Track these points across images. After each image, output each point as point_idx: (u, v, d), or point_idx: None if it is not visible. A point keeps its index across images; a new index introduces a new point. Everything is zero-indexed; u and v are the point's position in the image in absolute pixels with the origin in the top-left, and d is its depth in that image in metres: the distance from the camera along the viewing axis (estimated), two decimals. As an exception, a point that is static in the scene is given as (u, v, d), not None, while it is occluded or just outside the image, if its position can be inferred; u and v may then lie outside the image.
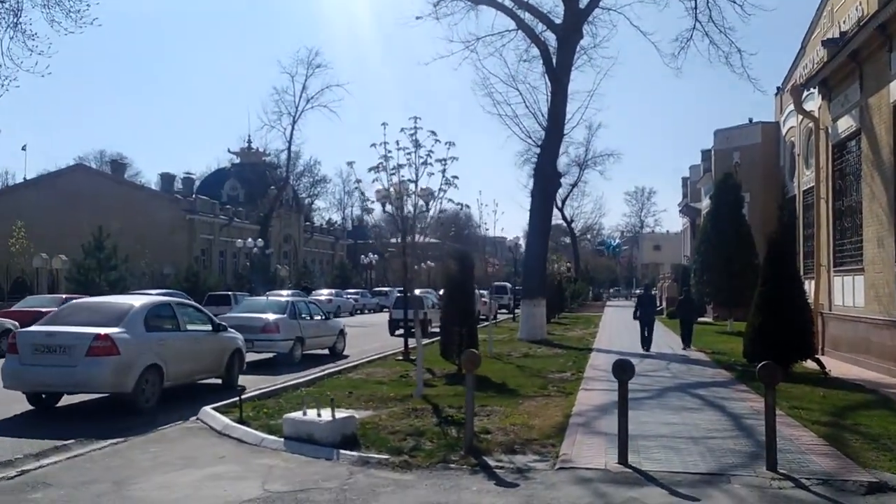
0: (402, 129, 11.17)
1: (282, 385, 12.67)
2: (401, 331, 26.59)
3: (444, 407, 10.23)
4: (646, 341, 19.11)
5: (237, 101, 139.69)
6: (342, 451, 7.75)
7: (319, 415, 8.32)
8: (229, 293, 30.95)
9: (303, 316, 17.44)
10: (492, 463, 7.29)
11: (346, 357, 18.51)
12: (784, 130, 34.55)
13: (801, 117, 27.39)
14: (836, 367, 14.95)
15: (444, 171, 11.25)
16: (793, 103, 20.83)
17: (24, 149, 65.30)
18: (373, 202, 12.09)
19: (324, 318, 18.38)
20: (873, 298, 15.20)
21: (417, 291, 38.30)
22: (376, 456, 7.58)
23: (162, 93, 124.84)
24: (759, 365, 6.83)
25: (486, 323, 33.45)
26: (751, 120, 36.30)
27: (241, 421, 9.27)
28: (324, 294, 42.38)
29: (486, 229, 40.42)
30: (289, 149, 57.13)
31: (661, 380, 13.46)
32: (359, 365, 16.11)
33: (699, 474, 6.81)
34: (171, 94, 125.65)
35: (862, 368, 15.11)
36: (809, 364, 14.04)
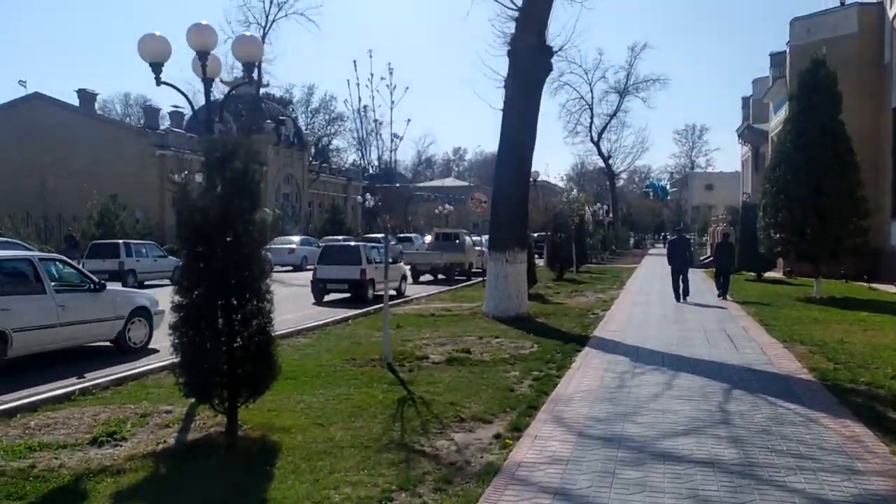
0: None
1: None
2: (330, 296, 18.75)
3: None
4: (681, 291, 17.57)
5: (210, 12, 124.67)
6: None
7: None
8: (120, 242, 23.16)
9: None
10: None
11: (155, 352, 10.66)
12: (892, 13, 24.82)
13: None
14: None
15: None
16: None
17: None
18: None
19: (91, 288, 10.24)
20: None
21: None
22: None
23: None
24: None
25: (477, 280, 24.98)
26: (843, 2, 26.50)
27: None
28: (294, 242, 34.40)
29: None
30: (258, 66, 48.52)
31: (703, 484, 5.05)
32: (116, 390, 8.20)
33: None
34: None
35: None
36: None
